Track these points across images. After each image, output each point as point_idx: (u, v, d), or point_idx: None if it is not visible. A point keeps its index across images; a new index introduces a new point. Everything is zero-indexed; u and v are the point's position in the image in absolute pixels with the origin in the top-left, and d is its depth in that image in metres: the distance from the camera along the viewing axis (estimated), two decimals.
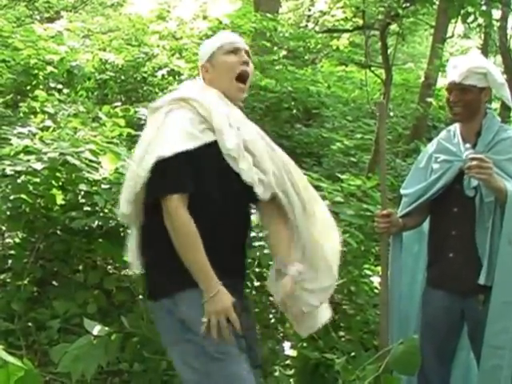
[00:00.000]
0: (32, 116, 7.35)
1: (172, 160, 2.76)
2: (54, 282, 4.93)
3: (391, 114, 10.92)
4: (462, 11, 9.42)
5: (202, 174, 2.84)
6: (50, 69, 8.97)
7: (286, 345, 4.76)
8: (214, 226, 2.85)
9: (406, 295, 3.74)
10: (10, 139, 5.48)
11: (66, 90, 8.81)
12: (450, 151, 3.53)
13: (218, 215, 2.87)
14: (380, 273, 3.81)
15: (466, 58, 3.53)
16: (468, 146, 3.43)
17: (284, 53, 13.22)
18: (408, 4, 9.46)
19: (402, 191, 3.78)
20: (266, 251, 4.60)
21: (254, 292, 5.11)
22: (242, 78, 3.06)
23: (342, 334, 5.03)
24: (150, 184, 2.80)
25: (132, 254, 3.05)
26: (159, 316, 2.98)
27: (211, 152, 2.85)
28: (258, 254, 4.64)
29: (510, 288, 3.31)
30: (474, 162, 3.26)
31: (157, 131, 2.85)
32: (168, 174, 2.78)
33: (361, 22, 11.76)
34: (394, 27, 12.00)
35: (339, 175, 5.84)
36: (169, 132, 2.82)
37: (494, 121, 3.50)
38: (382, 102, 3.80)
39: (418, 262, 3.80)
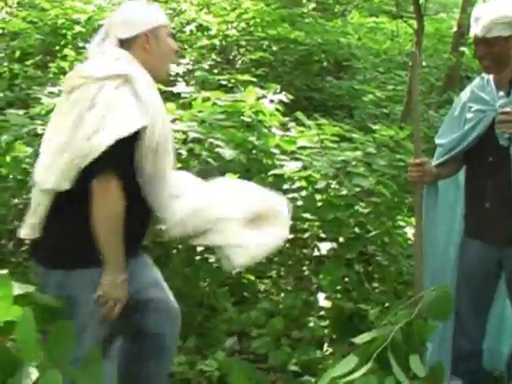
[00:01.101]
0: (62, 76, 7.36)
1: (125, 141, 2.74)
2: None
3: (423, 64, 10.74)
4: None
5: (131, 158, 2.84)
6: (77, 28, 8.95)
7: (320, 296, 4.77)
8: (130, 212, 2.83)
9: (442, 245, 3.71)
10: (40, 99, 5.50)
11: None
12: (484, 100, 3.46)
13: (133, 200, 2.85)
14: (414, 223, 3.78)
15: (488, 8, 3.41)
16: (502, 94, 3.37)
17: (313, 5, 13.05)
18: None
19: (437, 140, 3.72)
20: (298, 203, 4.59)
21: (287, 245, 5.13)
22: None
23: (375, 285, 5.04)
24: (96, 160, 2.74)
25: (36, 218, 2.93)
26: (43, 283, 2.90)
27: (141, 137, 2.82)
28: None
29: None
30: (503, 117, 3.21)
31: (108, 107, 2.77)
32: (117, 154, 2.74)
33: None
34: None
35: (372, 126, 5.79)
36: (123, 110, 2.78)
37: None
38: (414, 52, 3.70)
39: (454, 212, 3.75)
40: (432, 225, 3.63)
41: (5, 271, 2.07)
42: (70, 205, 2.84)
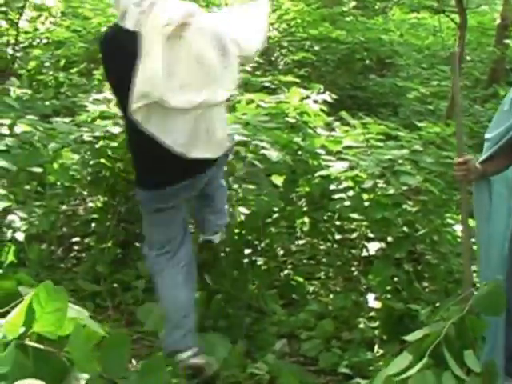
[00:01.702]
0: (106, 83, 7.42)
1: None
2: (137, 244, 5.00)
3: (467, 58, 10.63)
4: None
5: None
6: None
7: (370, 297, 4.72)
8: None
9: (497, 242, 3.63)
10: (86, 106, 5.55)
11: None
12: None
13: None
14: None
15: None
16: None
17: (353, 3, 12.98)
18: None
19: (485, 136, 3.65)
20: (346, 203, 4.56)
21: (335, 245, 5.10)
22: None
23: (425, 284, 4.97)
24: None
25: None
26: None
27: None
28: (337, 206, 4.60)
29: None
30: None
31: None
32: None
33: None
34: None
35: (417, 123, 5.72)
36: None
37: None
38: (454, 52, 3.65)
39: (509, 208, 3.67)
40: (484, 222, 3.55)
41: (60, 287, 2.06)
42: None
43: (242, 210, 4.64)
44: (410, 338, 2.68)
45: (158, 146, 3.58)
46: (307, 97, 5.35)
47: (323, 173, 4.66)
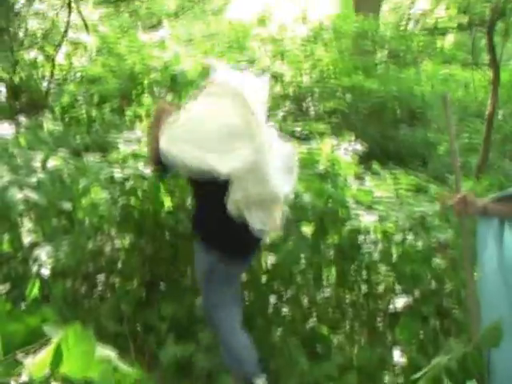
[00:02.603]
0: (137, 121, 7.47)
1: None
2: (162, 285, 4.97)
3: (499, 113, 10.59)
4: None
5: None
6: (154, 75, 9.10)
7: (395, 351, 4.65)
8: None
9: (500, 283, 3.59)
10: (117, 144, 5.57)
11: (169, 96, 8.91)
12: None
13: None
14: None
15: None
16: None
17: (386, 53, 13.03)
18: None
19: None
20: (374, 256, 4.53)
21: (361, 298, 5.04)
22: None
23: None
24: None
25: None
26: None
27: None
28: (366, 259, 4.57)
29: None
30: None
31: None
32: None
33: (464, 20, 11.48)
34: (499, 25, 11.66)
35: (448, 176, 5.69)
36: None
37: None
38: (445, 96, 3.81)
39: None
40: (488, 262, 3.54)
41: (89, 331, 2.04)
42: None
43: (270, 256, 4.62)
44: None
45: None
46: (338, 146, 5.33)
47: (354, 223, 4.63)
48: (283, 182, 3.94)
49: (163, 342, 4.50)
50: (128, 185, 4.90)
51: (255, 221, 3.85)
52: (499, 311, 3.43)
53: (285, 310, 4.74)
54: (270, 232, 3.99)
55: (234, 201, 3.83)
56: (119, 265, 5.17)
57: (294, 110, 9.35)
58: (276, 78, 9.54)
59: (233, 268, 4.13)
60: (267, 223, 3.90)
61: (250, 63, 9.82)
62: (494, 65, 9.48)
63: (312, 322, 4.97)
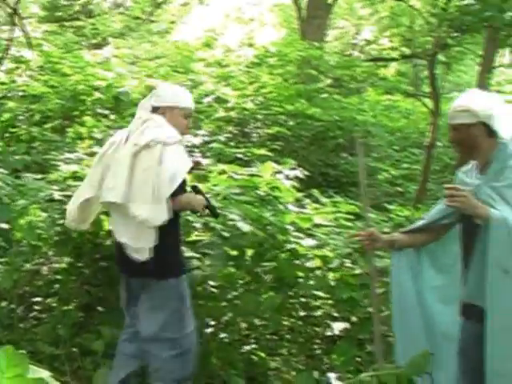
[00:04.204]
0: (79, 141, 7.42)
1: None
2: (100, 308, 4.93)
3: (438, 143, 10.81)
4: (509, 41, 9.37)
5: None
6: (97, 95, 9.06)
7: (332, 376, 4.68)
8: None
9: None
10: (58, 165, 5.53)
11: (112, 116, 8.88)
12: (464, 182, 3.58)
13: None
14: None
15: (459, 97, 3.63)
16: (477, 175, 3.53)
17: (329, 81, 13.21)
18: (457, 33, 9.41)
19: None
20: (310, 282, 4.57)
21: (299, 322, 5.07)
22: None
23: None
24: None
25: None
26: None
27: None
28: (303, 284, 4.61)
29: (505, 314, 3.30)
30: (447, 192, 3.38)
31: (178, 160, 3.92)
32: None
33: (408, 50, 11.74)
34: (440, 56, 11.95)
35: (386, 205, 5.79)
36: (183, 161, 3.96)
37: (506, 150, 3.48)
38: (360, 141, 4.19)
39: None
40: (401, 291, 3.78)
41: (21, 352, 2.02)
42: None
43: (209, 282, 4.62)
44: None
45: None
46: (279, 171, 5.38)
47: (291, 246, 4.68)
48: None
49: (100, 366, 4.45)
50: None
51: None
52: (414, 332, 3.73)
53: (222, 334, 4.73)
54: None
55: None
56: (56, 286, 5.11)
57: (237, 135, 9.40)
58: (220, 101, 9.58)
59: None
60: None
61: (194, 86, 9.86)
62: (435, 95, 9.71)
63: (250, 346, 4.98)
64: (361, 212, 4.00)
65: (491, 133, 3.46)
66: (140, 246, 3.90)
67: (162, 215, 3.80)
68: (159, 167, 3.83)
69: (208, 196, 4.19)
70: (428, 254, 3.85)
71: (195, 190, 4.10)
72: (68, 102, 8.99)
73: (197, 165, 4.48)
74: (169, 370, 3.96)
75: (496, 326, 3.29)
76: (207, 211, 4.08)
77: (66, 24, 19.06)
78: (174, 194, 3.83)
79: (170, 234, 3.92)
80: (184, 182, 3.96)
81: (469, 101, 3.50)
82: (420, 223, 3.83)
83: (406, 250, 3.82)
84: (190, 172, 4.27)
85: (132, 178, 3.88)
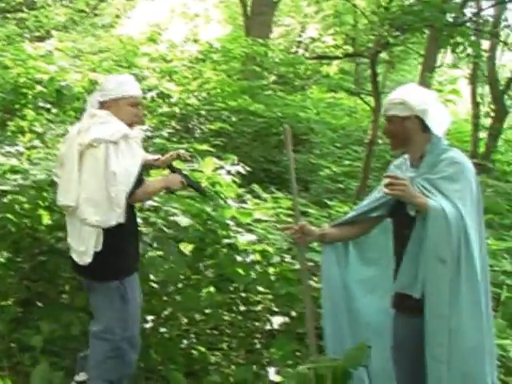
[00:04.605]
0: (20, 135, 7.34)
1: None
2: (39, 303, 4.89)
3: (379, 141, 10.95)
4: (452, 41, 9.53)
5: None
6: (39, 88, 8.94)
7: (271, 370, 4.73)
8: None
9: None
10: None
11: (54, 110, 8.79)
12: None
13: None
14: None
15: (394, 91, 3.67)
16: (410, 169, 3.58)
17: (274, 78, 13.28)
18: (398, 33, 9.54)
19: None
20: (252, 277, 4.60)
21: (239, 317, 5.11)
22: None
23: None
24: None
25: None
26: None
27: None
28: (243, 279, 4.64)
29: (440, 302, 3.36)
30: (387, 180, 3.39)
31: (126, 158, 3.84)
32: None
33: (351, 49, 11.86)
34: (383, 55, 12.10)
35: (327, 201, 5.85)
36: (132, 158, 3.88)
37: (439, 144, 3.55)
38: (286, 128, 4.02)
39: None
40: (329, 283, 3.83)
41: None
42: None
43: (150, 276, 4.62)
44: None
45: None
46: (221, 167, 5.41)
47: (230, 241, 4.70)
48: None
49: (38, 362, 4.42)
50: (6, 199, 4.81)
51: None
52: (341, 326, 3.79)
53: (162, 329, 4.74)
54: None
55: None
56: None
57: (180, 130, 9.40)
58: (163, 96, 9.56)
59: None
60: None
61: (138, 81, 9.79)
62: (376, 93, 9.82)
63: (190, 341, 5.00)
64: (292, 205, 4.00)
65: (425, 128, 3.52)
66: (82, 249, 3.86)
67: (113, 219, 3.77)
68: (107, 172, 3.76)
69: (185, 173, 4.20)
70: (355, 247, 3.91)
71: (171, 168, 4.12)
72: (9, 95, 8.84)
73: (178, 157, 4.39)
74: (104, 370, 3.94)
75: (433, 314, 3.36)
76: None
77: (9, 16, 18.78)
78: (133, 191, 3.81)
79: (115, 236, 3.85)
80: (139, 175, 3.89)
81: (405, 94, 3.55)
82: (350, 215, 3.87)
83: (336, 243, 3.86)
84: (170, 166, 4.25)
85: (81, 179, 3.82)
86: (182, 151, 4.51)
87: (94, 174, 3.79)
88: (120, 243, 3.91)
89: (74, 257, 3.92)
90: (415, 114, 3.51)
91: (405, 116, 3.52)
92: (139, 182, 3.87)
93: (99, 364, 3.95)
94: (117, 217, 3.77)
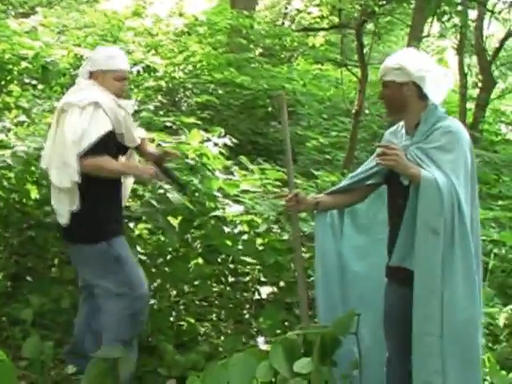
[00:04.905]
0: (6, 111, 7.30)
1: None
2: (29, 277, 4.92)
3: (366, 112, 10.98)
4: (438, 10, 9.52)
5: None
6: (24, 64, 8.87)
7: (260, 340, 4.78)
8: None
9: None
10: None
11: (40, 86, 8.75)
12: (392, 143, 3.57)
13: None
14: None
15: (392, 55, 3.61)
16: (405, 136, 3.54)
17: (260, 50, 13.24)
18: (384, 2, 9.51)
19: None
20: (239, 247, 4.63)
21: (228, 288, 5.15)
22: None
23: None
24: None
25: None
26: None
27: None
28: (231, 249, 4.67)
29: (432, 276, 3.32)
30: (380, 150, 3.37)
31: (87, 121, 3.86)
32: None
33: (337, 20, 11.81)
34: (370, 26, 12.07)
35: (314, 172, 5.88)
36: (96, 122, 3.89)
37: (435, 112, 3.50)
38: (280, 95, 4.03)
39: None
40: (322, 250, 3.81)
41: None
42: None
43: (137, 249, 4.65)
44: None
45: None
46: (208, 139, 5.41)
47: (218, 213, 4.72)
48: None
49: (29, 335, 4.45)
50: None
51: None
52: (334, 294, 3.79)
53: (151, 301, 4.78)
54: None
55: None
56: None
57: (166, 104, 9.38)
58: (149, 70, 9.52)
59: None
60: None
61: None
62: (363, 64, 9.81)
63: (179, 313, 5.04)
64: (286, 173, 3.99)
65: (422, 95, 3.47)
66: (60, 209, 3.96)
67: (67, 178, 3.83)
68: (62, 131, 3.88)
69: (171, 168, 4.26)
70: (349, 214, 3.91)
71: (157, 163, 4.16)
72: None
73: (168, 155, 4.34)
74: (117, 330, 4.01)
75: (423, 287, 3.32)
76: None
77: None
78: (86, 156, 3.82)
79: (94, 198, 3.92)
80: (107, 145, 3.91)
81: (403, 59, 3.48)
82: (344, 183, 3.84)
83: (330, 211, 3.86)
84: (159, 163, 4.23)
85: (54, 143, 3.96)
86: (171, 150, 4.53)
87: (60, 136, 3.91)
88: (99, 205, 3.97)
89: (58, 218, 4.01)
90: (412, 80, 3.45)
91: (402, 82, 3.46)
92: (103, 151, 3.90)
93: (113, 323, 4.02)
94: (69, 176, 3.82)
